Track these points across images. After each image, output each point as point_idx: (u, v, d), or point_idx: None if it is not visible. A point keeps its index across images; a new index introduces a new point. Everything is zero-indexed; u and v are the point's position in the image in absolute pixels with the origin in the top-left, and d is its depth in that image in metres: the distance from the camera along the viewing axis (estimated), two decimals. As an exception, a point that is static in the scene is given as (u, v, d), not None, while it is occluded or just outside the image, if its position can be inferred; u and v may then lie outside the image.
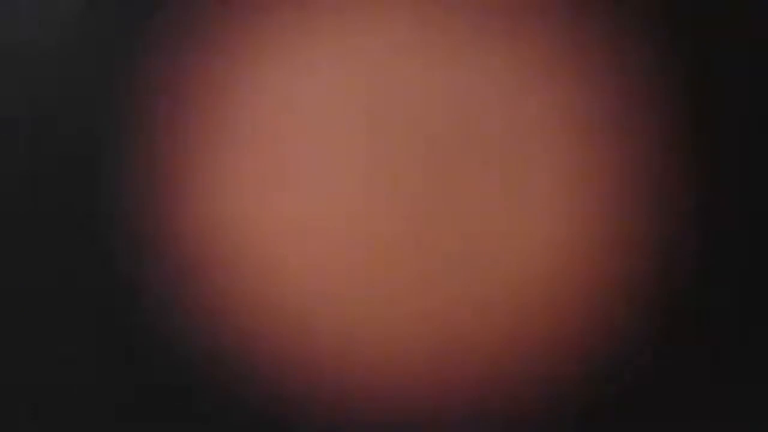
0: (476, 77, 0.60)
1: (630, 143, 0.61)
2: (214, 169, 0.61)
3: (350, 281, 0.60)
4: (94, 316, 0.61)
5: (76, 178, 0.61)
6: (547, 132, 0.60)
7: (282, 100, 0.61)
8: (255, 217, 0.60)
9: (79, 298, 0.61)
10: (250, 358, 0.61)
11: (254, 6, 0.61)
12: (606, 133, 0.61)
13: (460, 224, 0.60)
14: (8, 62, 0.62)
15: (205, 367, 0.61)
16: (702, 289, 0.61)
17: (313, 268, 0.60)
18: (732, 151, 0.61)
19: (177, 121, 0.61)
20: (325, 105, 0.61)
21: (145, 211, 0.61)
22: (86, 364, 0.62)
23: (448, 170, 0.60)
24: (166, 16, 0.62)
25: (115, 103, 0.62)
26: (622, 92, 0.61)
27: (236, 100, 0.61)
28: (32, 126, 0.62)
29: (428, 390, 0.61)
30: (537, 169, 0.60)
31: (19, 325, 0.62)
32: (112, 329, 0.61)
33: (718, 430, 0.61)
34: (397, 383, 0.61)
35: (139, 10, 0.62)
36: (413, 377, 0.61)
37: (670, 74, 0.61)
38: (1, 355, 0.62)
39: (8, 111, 0.62)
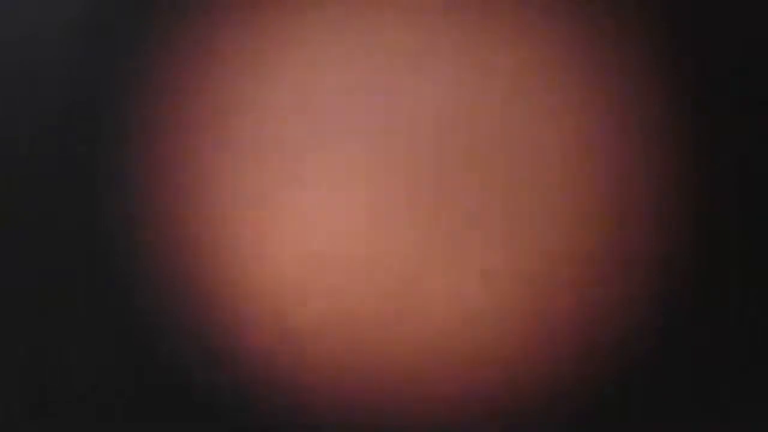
0: (476, 77, 0.61)
1: (629, 144, 0.61)
2: (215, 170, 0.61)
3: (350, 281, 0.60)
4: (93, 316, 0.61)
5: (76, 179, 0.62)
6: (547, 133, 0.60)
7: (284, 102, 0.61)
8: (255, 218, 0.60)
9: (79, 298, 0.61)
10: (250, 359, 0.61)
11: (255, 6, 0.61)
12: (605, 133, 0.61)
13: (459, 225, 0.60)
14: (8, 62, 0.62)
15: (205, 368, 0.61)
16: (702, 289, 0.61)
17: (313, 268, 0.60)
18: (732, 152, 0.61)
19: (177, 122, 0.61)
20: (326, 105, 0.61)
21: (146, 212, 0.61)
22: (86, 364, 0.62)
23: (448, 171, 0.60)
24: (168, 18, 0.62)
25: (116, 104, 0.62)
26: (621, 93, 0.61)
27: (236, 102, 0.61)
28: (33, 126, 0.62)
29: (427, 390, 0.61)
30: (537, 170, 0.60)
31: (19, 325, 0.62)
32: (111, 329, 0.61)
33: (718, 430, 0.61)
34: (396, 384, 0.61)
35: (140, 11, 0.62)
36: (412, 378, 0.61)
37: (670, 75, 0.61)
38: (0, 355, 0.62)
39: (9, 111, 0.62)
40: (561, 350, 0.60)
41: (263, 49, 0.61)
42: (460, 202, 0.60)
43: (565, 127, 0.60)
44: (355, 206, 0.60)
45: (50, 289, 0.62)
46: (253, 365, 0.61)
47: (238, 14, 0.61)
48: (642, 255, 0.60)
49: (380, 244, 0.60)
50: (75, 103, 0.62)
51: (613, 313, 0.61)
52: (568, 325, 0.60)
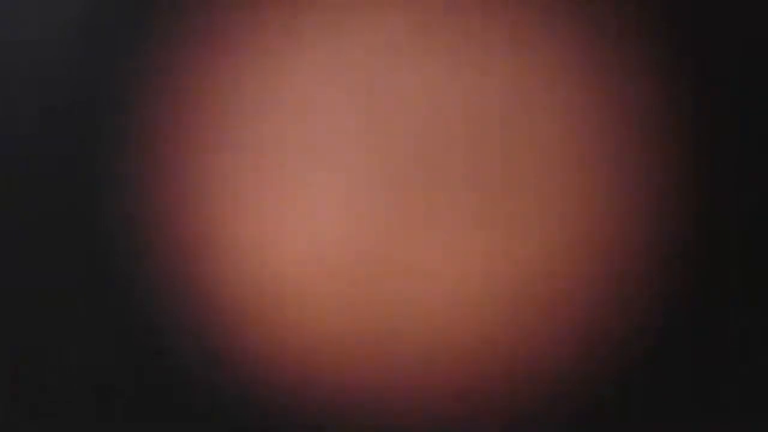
0: (476, 77, 0.60)
1: (629, 144, 0.61)
2: (215, 170, 0.61)
3: (350, 281, 0.60)
4: (93, 316, 0.61)
5: (76, 179, 0.61)
6: (547, 133, 0.60)
7: (284, 102, 0.61)
8: (255, 218, 0.60)
9: (79, 298, 0.61)
10: (250, 359, 0.61)
11: (255, 6, 0.61)
12: (605, 133, 0.61)
13: (460, 227, 0.60)
14: (9, 62, 0.62)
15: (205, 368, 0.61)
16: (702, 289, 0.61)
17: (313, 267, 0.60)
18: (732, 152, 0.61)
19: (177, 122, 0.61)
20: (327, 106, 0.61)
21: (146, 212, 0.61)
22: (86, 364, 0.62)
23: (449, 172, 0.60)
24: (168, 18, 0.62)
25: (116, 104, 0.62)
26: (621, 93, 0.61)
27: (237, 102, 0.61)
28: (33, 126, 0.62)
29: (427, 390, 0.61)
30: (536, 170, 0.60)
31: (19, 325, 0.62)
32: (111, 329, 0.61)
33: (718, 430, 0.61)
34: (396, 384, 0.61)
35: (140, 11, 0.62)
36: (412, 377, 0.61)
37: (670, 75, 0.61)
38: (0, 355, 0.62)
39: (9, 111, 0.62)
40: (561, 350, 0.60)
41: (263, 49, 0.61)
42: (461, 203, 0.60)
43: (565, 127, 0.60)
44: (357, 206, 0.60)
45: (50, 289, 0.62)
46: (253, 365, 0.61)
47: (238, 14, 0.61)
48: (642, 255, 0.60)
49: (381, 245, 0.60)
50: (75, 103, 0.62)
51: (613, 313, 0.61)
52: (568, 325, 0.60)
